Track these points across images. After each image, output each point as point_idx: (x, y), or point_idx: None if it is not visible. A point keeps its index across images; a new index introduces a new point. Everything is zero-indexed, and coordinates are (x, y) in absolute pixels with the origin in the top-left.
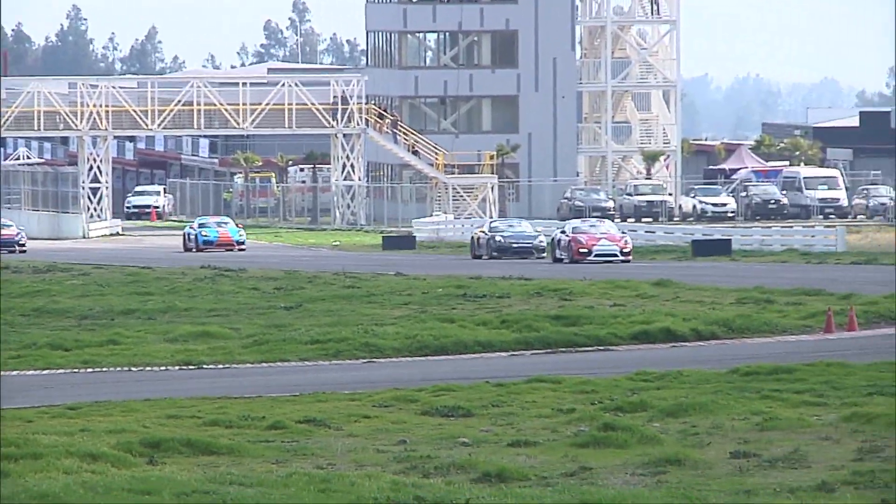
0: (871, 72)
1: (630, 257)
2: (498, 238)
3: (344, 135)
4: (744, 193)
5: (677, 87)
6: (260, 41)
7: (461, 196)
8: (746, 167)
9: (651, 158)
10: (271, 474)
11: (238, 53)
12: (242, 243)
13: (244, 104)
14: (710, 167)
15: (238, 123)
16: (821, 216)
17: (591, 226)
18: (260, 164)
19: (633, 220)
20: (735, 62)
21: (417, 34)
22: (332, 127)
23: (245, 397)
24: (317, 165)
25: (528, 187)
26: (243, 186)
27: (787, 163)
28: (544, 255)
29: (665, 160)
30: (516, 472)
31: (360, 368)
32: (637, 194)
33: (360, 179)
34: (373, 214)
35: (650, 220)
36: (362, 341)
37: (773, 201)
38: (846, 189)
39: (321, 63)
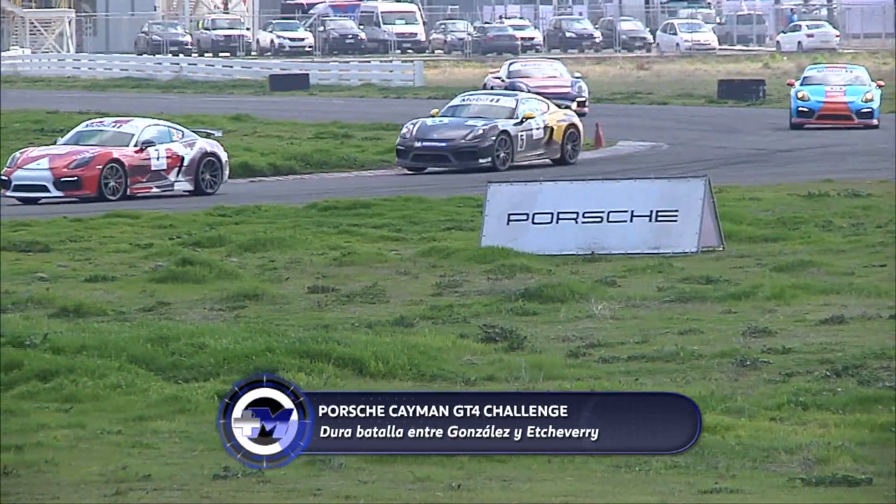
0: None
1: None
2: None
3: None
4: (321, 28)
5: None
6: None
7: (38, 30)
8: (324, 2)
9: None
10: None
11: None
12: None
13: None
14: (288, 2)
15: None
16: (398, 51)
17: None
18: None
19: (210, 54)
20: None
21: None
22: None
23: None
24: None
25: (105, 21)
26: None
27: None
28: None
29: None
30: (94, 308)
31: None
32: (214, 28)
33: None
34: None
35: (227, 54)
36: None
37: (350, 36)
38: (424, 24)
39: None
